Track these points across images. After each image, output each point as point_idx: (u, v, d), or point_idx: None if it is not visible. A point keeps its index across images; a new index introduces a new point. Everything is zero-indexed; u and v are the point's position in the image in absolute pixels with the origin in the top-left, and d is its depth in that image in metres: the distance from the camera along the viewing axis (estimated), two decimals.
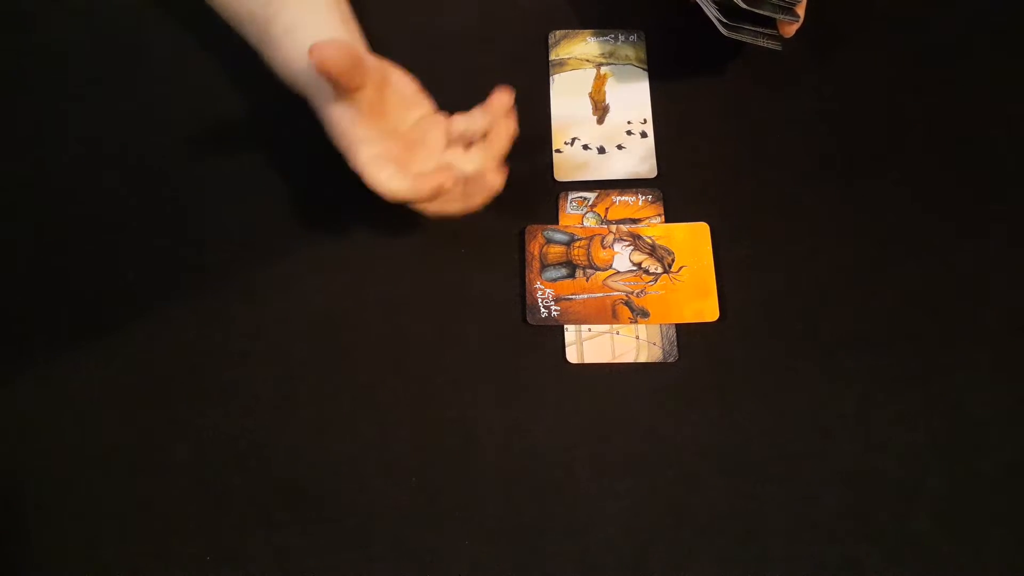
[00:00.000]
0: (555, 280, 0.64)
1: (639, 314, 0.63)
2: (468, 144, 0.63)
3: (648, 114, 0.70)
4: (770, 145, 0.69)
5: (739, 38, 0.66)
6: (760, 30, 0.66)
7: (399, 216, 0.66)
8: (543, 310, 0.63)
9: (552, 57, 0.72)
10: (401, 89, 0.63)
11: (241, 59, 0.65)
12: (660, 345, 0.62)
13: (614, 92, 0.71)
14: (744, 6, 0.63)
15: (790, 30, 0.67)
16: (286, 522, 0.57)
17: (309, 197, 0.67)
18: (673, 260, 0.64)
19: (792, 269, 0.64)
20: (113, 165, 0.69)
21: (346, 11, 0.65)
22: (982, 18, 0.73)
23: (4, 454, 0.59)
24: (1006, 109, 0.70)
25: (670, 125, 0.70)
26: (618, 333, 0.62)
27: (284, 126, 0.69)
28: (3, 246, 0.66)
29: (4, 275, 0.65)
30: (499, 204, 0.67)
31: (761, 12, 0.64)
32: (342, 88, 0.58)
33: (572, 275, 0.64)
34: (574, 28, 0.74)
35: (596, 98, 0.71)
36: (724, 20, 0.65)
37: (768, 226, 0.66)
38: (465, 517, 0.58)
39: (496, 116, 0.62)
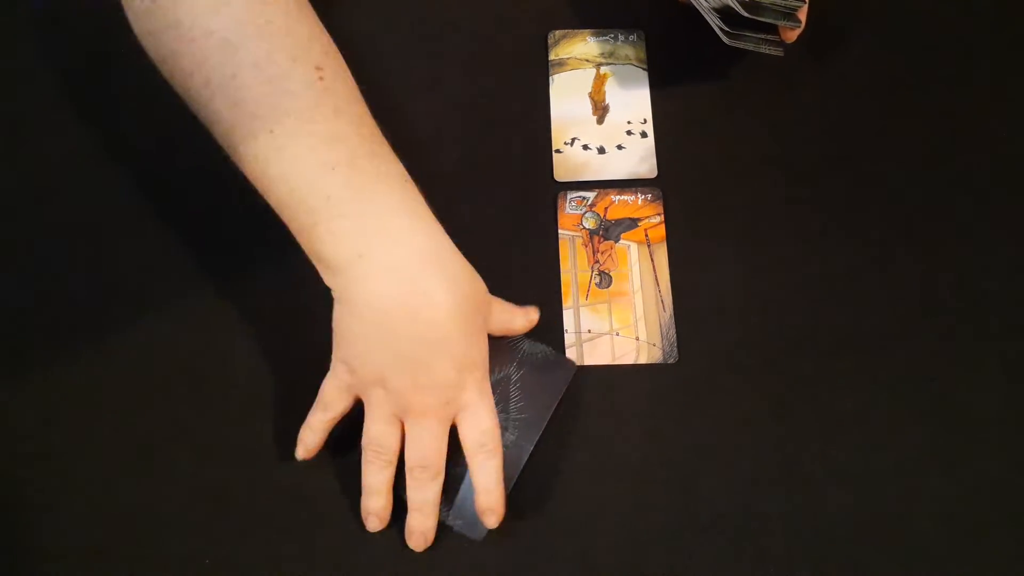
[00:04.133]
0: None
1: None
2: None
3: (648, 114, 0.70)
4: (770, 145, 0.69)
5: (741, 46, 0.66)
6: (762, 37, 0.66)
7: None
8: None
9: (552, 57, 0.72)
10: None
11: None
12: (660, 346, 0.62)
13: (614, 92, 0.71)
14: (745, 14, 0.63)
15: (792, 36, 0.67)
16: (286, 524, 0.57)
17: None
18: None
19: (792, 269, 0.64)
20: (113, 164, 0.69)
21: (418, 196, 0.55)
22: (982, 18, 0.73)
23: (4, 455, 0.59)
24: (1006, 109, 0.70)
25: (670, 125, 0.69)
26: (618, 334, 0.62)
27: None
28: (3, 246, 0.66)
29: (4, 275, 0.65)
30: (499, 204, 0.67)
31: (763, 20, 0.64)
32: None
33: None
34: (574, 28, 0.73)
35: (596, 98, 0.71)
36: (726, 29, 0.65)
37: (768, 226, 0.66)
38: None
39: None
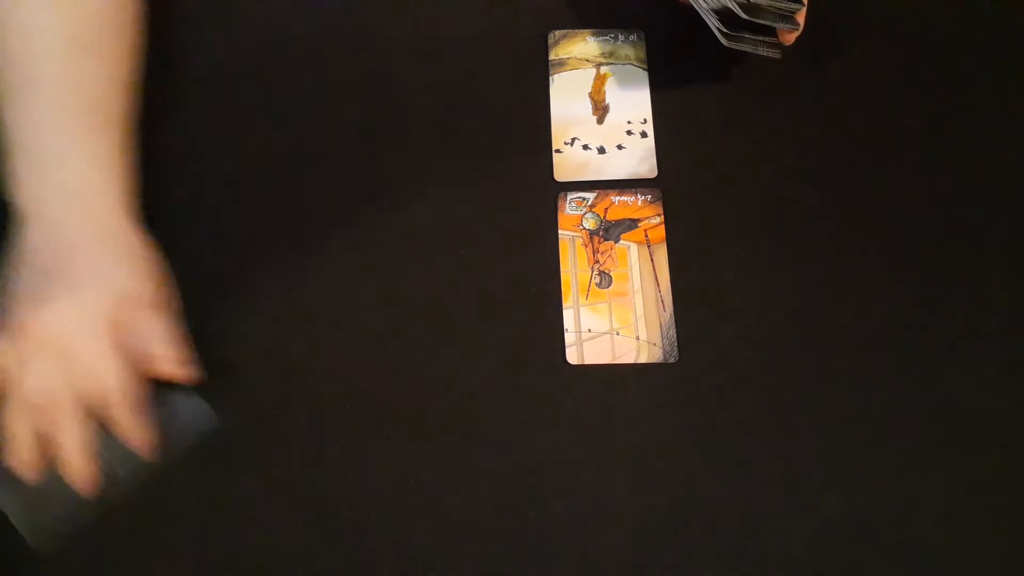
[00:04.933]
0: None
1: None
2: None
3: (648, 114, 0.70)
4: (770, 144, 0.69)
5: (739, 47, 0.66)
6: (760, 38, 0.66)
7: (399, 217, 0.66)
8: None
9: (552, 57, 0.72)
10: None
11: (244, 54, 0.65)
12: (660, 345, 0.62)
13: (614, 92, 0.71)
14: (744, 16, 0.63)
15: (790, 38, 0.67)
16: (285, 524, 0.57)
17: (309, 197, 0.67)
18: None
19: (792, 269, 0.64)
20: None
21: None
22: (981, 19, 0.73)
23: None
24: (1006, 109, 0.70)
25: (670, 125, 0.69)
26: (618, 334, 0.63)
27: (284, 124, 0.69)
28: (4, 245, 0.66)
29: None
30: (499, 204, 0.67)
31: (761, 21, 0.64)
32: None
33: None
34: (574, 28, 0.73)
35: (596, 98, 0.71)
36: (724, 30, 0.65)
37: (768, 226, 0.66)
38: (465, 517, 0.58)
39: None
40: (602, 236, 0.66)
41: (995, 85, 0.71)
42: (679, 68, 0.72)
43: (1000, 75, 0.71)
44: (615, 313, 0.63)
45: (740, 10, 0.63)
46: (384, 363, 0.62)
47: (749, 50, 0.67)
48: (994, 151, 0.68)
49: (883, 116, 0.70)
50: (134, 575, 0.57)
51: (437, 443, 0.60)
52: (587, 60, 0.72)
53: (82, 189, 0.58)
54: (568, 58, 0.72)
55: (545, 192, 0.67)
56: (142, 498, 0.58)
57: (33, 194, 0.58)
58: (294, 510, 0.58)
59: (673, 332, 0.63)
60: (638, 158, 0.68)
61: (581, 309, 0.63)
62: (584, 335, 0.62)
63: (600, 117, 0.70)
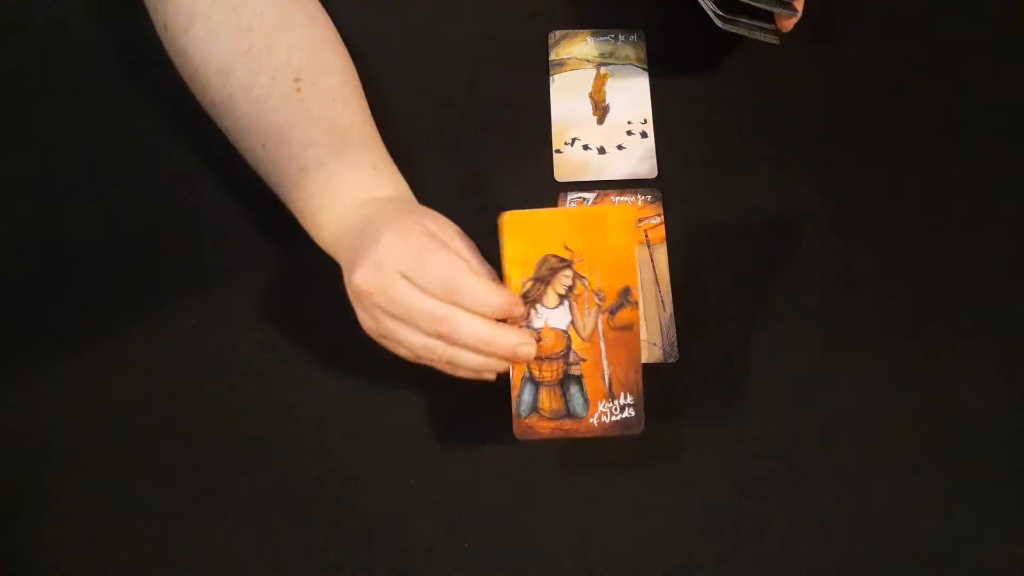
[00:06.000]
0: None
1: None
2: None
3: (648, 114, 0.70)
4: (770, 145, 0.69)
5: (735, 31, 0.65)
6: (757, 23, 0.66)
7: None
8: None
9: (552, 57, 0.72)
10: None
11: None
12: (660, 345, 0.62)
13: (614, 92, 0.71)
14: None
15: (788, 24, 0.66)
16: (285, 524, 0.57)
17: None
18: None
19: (792, 269, 0.64)
20: (113, 164, 0.69)
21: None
22: (982, 12, 0.73)
23: (4, 454, 0.59)
24: (1007, 106, 0.70)
25: (670, 125, 0.69)
26: None
27: None
28: (3, 246, 0.66)
29: (4, 275, 0.65)
30: (499, 204, 0.67)
31: (758, 5, 0.64)
32: None
33: None
34: (574, 28, 0.73)
35: (596, 98, 0.71)
36: (720, 12, 0.64)
37: (768, 226, 0.66)
38: (465, 517, 0.58)
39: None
40: None
41: (997, 76, 0.71)
42: (679, 68, 0.72)
43: (1002, 67, 0.71)
44: None
45: None
46: (384, 362, 0.62)
47: (745, 34, 0.66)
48: (995, 146, 0.68)
49: (883, 115, 0.70)
50: (134, 575, 0.57)
51: (437, 443, 0.60)
52: (587, 60, 0.72)
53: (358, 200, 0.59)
54: (568, 58, 0.72)
55: (545, 192, 0.67)
56: (141, 498, 0.58)
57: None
58: (294, 510, 0.58)
59: (673, 332, 0.62)
60: (638, 158, 0.68)
61: None
62: None
63: (600, 117, 0.70)
